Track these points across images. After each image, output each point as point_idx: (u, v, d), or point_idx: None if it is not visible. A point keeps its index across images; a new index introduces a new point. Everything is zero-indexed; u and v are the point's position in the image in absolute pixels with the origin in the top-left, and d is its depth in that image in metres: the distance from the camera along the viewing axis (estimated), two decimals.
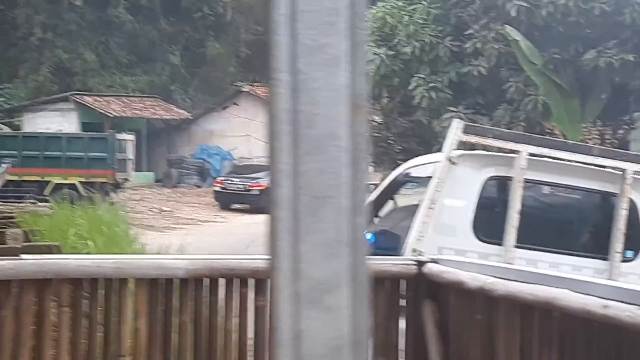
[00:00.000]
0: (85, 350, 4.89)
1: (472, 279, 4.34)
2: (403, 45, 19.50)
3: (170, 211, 35.32)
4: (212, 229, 31.56)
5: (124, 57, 47.04)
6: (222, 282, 4.98)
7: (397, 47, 19.67)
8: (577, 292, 3.55)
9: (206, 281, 4.91)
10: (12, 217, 21.43)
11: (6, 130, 38.43)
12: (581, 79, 18.60)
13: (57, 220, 18.41)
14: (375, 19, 20.19)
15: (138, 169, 42.38)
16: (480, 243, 7.35)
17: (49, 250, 15.13)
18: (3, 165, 32.98)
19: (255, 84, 45.25)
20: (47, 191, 30.11)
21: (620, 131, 20.15)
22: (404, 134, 22.05)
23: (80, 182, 32.81)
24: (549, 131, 19.86)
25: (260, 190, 35.50)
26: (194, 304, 4.87)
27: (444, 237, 7.29)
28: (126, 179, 36.15)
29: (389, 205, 8.62)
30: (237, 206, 36.61)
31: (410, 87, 19.67)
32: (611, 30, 17.94)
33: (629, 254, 7.52)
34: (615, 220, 7.34)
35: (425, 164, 8.10)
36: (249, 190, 36.10)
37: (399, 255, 7.33)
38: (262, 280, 4.85)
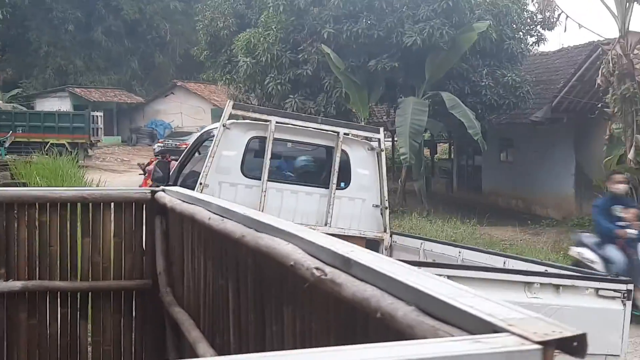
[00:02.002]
0: None
1: (170, 201, 3.95)
2: (261, 56, 19.02)
3: (128, 160, 34.57)
4: None
5: (102, 63, 45.74)
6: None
7: (257, 57, 19.18)
8: (221, 216, 2.91)
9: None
10: (6, 164, 20.51)
11: (20, 109, 36.87)
12: (367, 77, 18.37)
13: (35, 166, 17.54)
14: (245, 39, 19.75)
15: (110, 134, 41.84)
16: (246, 178, 7.01)
17: (19, 185, 14.47)
18: (11, 132, 31.67)
19: (185, 80, 44.90)
20: (45, 148, 28.96)
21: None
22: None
23: (67, 142, 31.53)
24: (351, 110, 19.75)
25: (185, 146, 35.47)
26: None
27: (222, 175, 6.93)
28: (98, 141, 35.17)
29: (196, 155, 8.28)
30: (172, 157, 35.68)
31: (266, 83, 19.37)
32: (384, 47, 17.71)
33: (342, 184, 7.33)
34: (333, 163, 7.13)
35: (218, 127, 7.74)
36: (178, 147, 35.49)
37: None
38: (55, 203, 4.34)
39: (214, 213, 3.06)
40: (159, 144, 36.80)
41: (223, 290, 3.03)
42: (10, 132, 31.79)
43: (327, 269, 1.84)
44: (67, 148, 30.17)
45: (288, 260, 2.06)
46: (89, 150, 33.20)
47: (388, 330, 1.51)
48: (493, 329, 1.20)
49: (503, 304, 1.33)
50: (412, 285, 1.49)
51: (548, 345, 1.12)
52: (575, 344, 1.15)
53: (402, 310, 1.45)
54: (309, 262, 1.94)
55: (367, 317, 1.64)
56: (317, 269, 1.88)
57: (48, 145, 29.53)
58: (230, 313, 2.93)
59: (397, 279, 1.56)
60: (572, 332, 1.15)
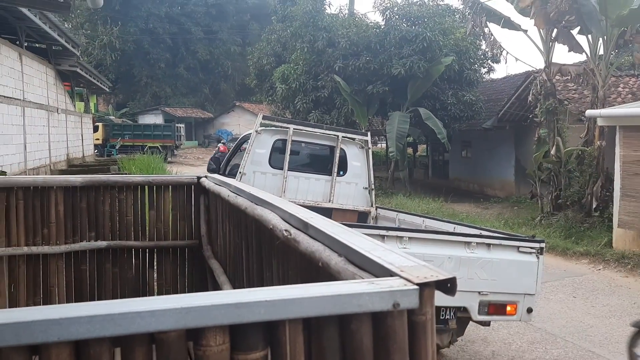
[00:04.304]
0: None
1: (207, 184, 3.88)
2: (292, 83, 18.85)
3: (202, 157, 34.49)
4: None
5: (184, 89, 45.61)
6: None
7: (289, 84, 19.00)
8: (236, 194, 2.93)
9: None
10: (116, 160, 20.69)
11: (127, 122, 37.10)
12: (366, 98, 18.05)
13: (134, 161, 17.65)
14: (281, 71, 19.57)
15: (190, 139, 41.94)
16: (272, 169, 6.89)
17: (123, 174, 14.28)
18: (120, 138, 31.83)
19: (242, 101, 44.72)
20: (145, 150, 29.08)
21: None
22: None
23: (160, 145, 31.47)
24: (355, 121, 19.50)
25: None
26: (86, 197, 4.23)
27: (256, 166, 6.82)
28: (181, 144, 35.24)
29: (238, 152, 8.16)
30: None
31: (296, 102, 19.18)
32: (378, 76, 17.36)
33: (341, 172, 7.18)
34: (334, 158, 6.99)
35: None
36: None
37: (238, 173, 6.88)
38: (129, 185, 4.31)
39: (232, 192, 2.99)
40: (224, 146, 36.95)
41: (239, 247, 2.96)
42: (120, 138, 32.05)
43: (293, 230, 1.76)
44: (159, 149, 30.26)
45: (269, 224, 1.99)
46: (175, 151, 33.17)
47: (329, 275, 1.43)
48: (390, 273, 1.12)
49: (404, 255, 1.24)
50: (343, 241, 1.41)
51: (425, 286, 1.04)
52: (449, 285, 1.06)
53: (335, 260, 1.37)
54: (282, 225, 1.86)
55: (317, 265, 1.56)
56: (286, 230, 1.80)
57: (146, 148, 29.74)
58: (243, 263, 2.87)
59: (334, 237, 1.47)
60: (446, 276, 1.06)
